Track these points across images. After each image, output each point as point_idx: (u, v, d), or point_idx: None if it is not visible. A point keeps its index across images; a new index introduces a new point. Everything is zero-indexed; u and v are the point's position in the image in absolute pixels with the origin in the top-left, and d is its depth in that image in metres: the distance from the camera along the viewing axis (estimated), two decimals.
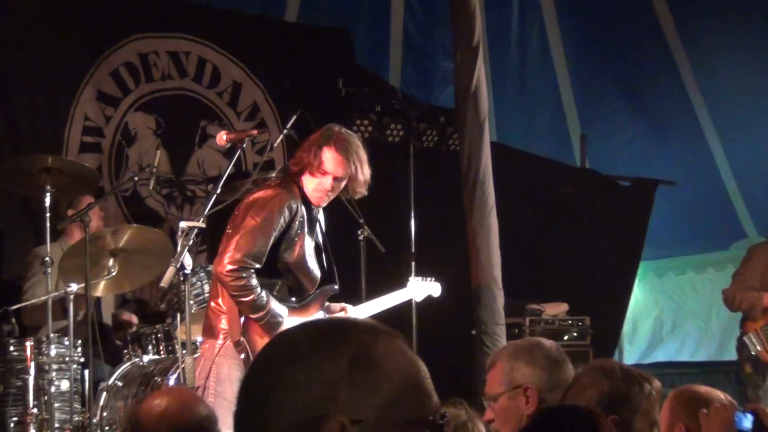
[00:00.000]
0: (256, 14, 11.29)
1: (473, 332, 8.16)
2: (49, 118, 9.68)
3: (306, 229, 6.43)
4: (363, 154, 6.43)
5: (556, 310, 10.46)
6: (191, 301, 7.01)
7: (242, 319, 6.33)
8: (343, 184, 6.46)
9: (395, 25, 11.97)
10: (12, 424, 7.30)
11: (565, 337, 10.00)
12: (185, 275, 6.31)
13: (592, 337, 10.32)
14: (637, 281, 12.51)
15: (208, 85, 10.65)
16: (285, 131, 8.29)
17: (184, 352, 6.63)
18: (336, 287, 6.79)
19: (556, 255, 11.55)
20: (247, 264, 6.21)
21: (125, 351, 8.18)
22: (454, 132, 9.76)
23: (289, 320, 6.33)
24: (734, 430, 4.23)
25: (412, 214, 9.84)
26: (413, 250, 9.76)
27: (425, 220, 9.93)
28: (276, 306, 6.30)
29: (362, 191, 6.56)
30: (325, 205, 6.61)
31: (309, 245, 6.48)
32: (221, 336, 6.34)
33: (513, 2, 11.98)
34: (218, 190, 6.73)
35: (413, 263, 9.48)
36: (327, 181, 6.38)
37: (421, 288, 7.62)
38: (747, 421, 4.30)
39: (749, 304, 8.41)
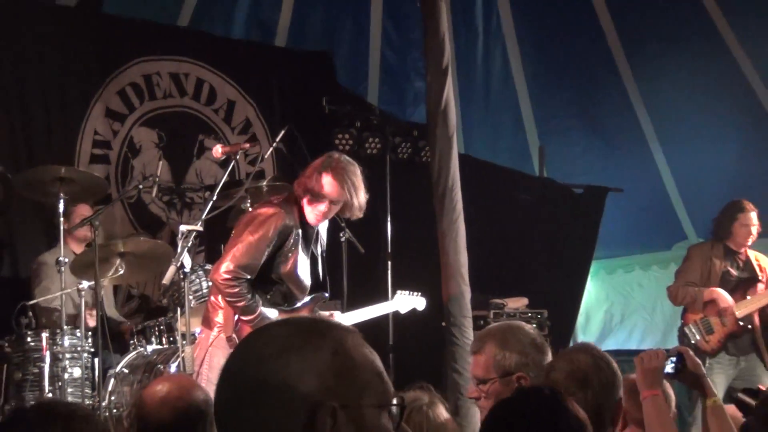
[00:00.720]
0: (249, 40, 11.31)
1: (443, 324, 8.17)
2: (63, 133, 9.67)
3: (300, 246, 6.46)
4: (358, 182, 6.46)
5: (517, 303, 10.48)
6: (190, 297, 7.06)
7: (236, 317, 6.36)
8: (339, 207, 6.49)
9: (373, 50, 11.98)
10: None
11: None
12: (185, 273, 6.35)
13: (550, 328, 10.32)
14: (589, 278, 12.52)
15: (206, 103, 10.65)
16: (274, 144, 8.33)
17: (184, 342, 6.68)
18: (326, 295, 6.82)
19: (517, 254, 11.57)
20: (240, 275, 6.25)
21: (131, 341, 8.19)
22: (426, 145, 9.77)
23: None
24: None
25: (389, 219, 9.86)
26: (389, 250, 9.79)
27: (400, 223, 9.95)
28: (266, 310, 6.34)
29: (357, 214, 6.59)
30: (321, 223, 6.64)
31: (302, 259, 6.51)
32: (216, 328, 6.38)
33: (478, 29, 12.00)
34: (214, 197, 6.77)
35: (389, 262, 9.52)
36: (323, 204, 6.42)
37: (406, 301, 7.64)
38: (669, 365, 4.40)
39: (691, 298, 8.43)
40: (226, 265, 6.25)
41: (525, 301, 10.57)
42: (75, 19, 10.05)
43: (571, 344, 12.24)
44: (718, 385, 7.69)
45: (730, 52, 11.20)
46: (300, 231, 6.44)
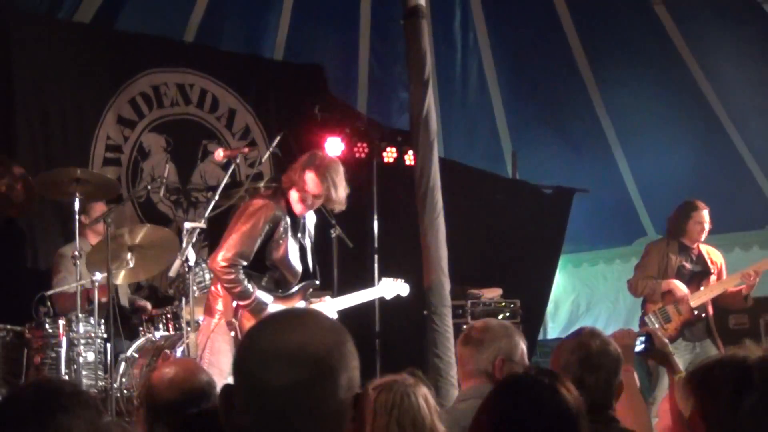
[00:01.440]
0: (248, 53, 11.30)
1: (425, 312, 8.15)
2: (78, 138, 9.65)
3: (290, 234, 6.48)
4: (338, 178, 6.48)
5: (492, 294, 10.48)
6: (194, 287, 7.04)
7: (234, 304, 6.36)
8: (320, 200, 6.51)
9: (362, 63, 11.98)
10: None
11: (500, 316, 10.02)
12: (189, 266, 6.35)
13: (522, 316, 10.33)
14: (558, 270, 12.54)
15: (209, 111, 10.63)
16: (271, 149, 8.31)
17: (189, 329, 6.65)
18: (317, 282, 6.82)
19: (493, 249, 11.56)
20: (235, 261, 6.28)
21: (140, 328, 8.18)
22: (409, 149, 9.77)
23: (274, 306, 6.36)
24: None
25: (375, 217, 9.86)
26: (376, 245, 9.78)
27: (386, 221, 9.95)
28: (261, 295, 6.35)
29: (339, 207, 6.61)
30: (305, 213, 6.64)
31: (292, 247, 6.53)
32: (217, 315, 6.37)
33: (457, 45, 12.00)
34: (216, 197, 6.76)
35: (376, 256, 9.51)
36: (307, 197, 6.43)
37: (391, 287, 7.61)
38: (639, 345, 4.46)
39: (650, 290, 8.44)
40: (222, 254, 6.29)
41: (499, 291, 10.57)
42: (89, 34, 10.03)
43: (540, 332, 12.30)
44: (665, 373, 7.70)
45: (685, 64, 11.24)
46: (288, 219, 6.46)
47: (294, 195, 6.48)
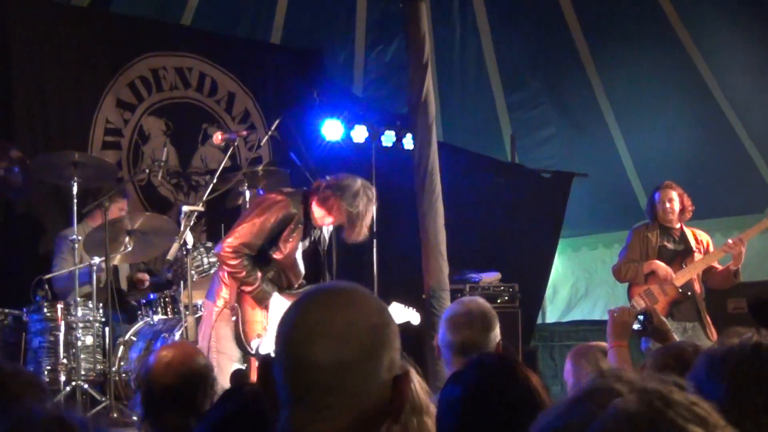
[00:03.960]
0: (248, 38, 11.28)
1: (423, 296, 8.15)
2: (77, 122, 9.63)
3: (300, 234, 6.47)
4: (367, 219, 6.46)
5: (490, 278, 10.45)
6: (192, 271, 7.04)
7: (238, 290, 6.37)
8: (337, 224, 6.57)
9: (360, 46, 11.95)
10: (46, 372, 7.28)
11: (498, 300, 9.97)
12: (187, 250, 6.34)
13: (521, 300, 10.31)
14: (557, 255, 12.53)
15: (208, 95, 10.60)
16: (269, 133, 8.29)
17: (187, 312, 6.64)
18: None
19: (491, 233, 11.54)
20: (241, 249, 6.29)
21: (139, 312, 8.17)
22: (408, 133, 9.74)
23: (278, 298, 6.36)
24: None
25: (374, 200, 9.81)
26: (375, 229, 9.72)
27: (384, 205, 9.89)
28: (266, 284, 6.35)
29: (355, 240, 6.53)
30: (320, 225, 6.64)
31: (300, 247, 6.53)
32: (221, 301, 6.37)
33: (456, 28, 11.98)
34: (214, 181, 6.74)
35: (375, 240, 9.47)
36: (328, 220, 6.43)
37: (401, 313, 7.44)
38: (637, 324, 4.48)
39: (633, 273, 8.42)
40: (230, 241, 6.30)
41: (498, 275, 10.53)
42: (87, 17, 10.03)
43: (539, 316, 12.29)
44: None
45: (684, 47, 11.21)
46: (303, 222, 6.44)
47: (317, 209, 6.47)
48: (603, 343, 4.59)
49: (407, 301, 8.78)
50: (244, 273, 6.29)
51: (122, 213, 8.25)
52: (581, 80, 11.98)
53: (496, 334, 4.28)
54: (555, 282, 13.05)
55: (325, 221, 6.54)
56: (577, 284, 13.25)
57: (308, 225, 6.54)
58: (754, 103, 11.29)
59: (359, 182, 6.49)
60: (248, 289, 6.30)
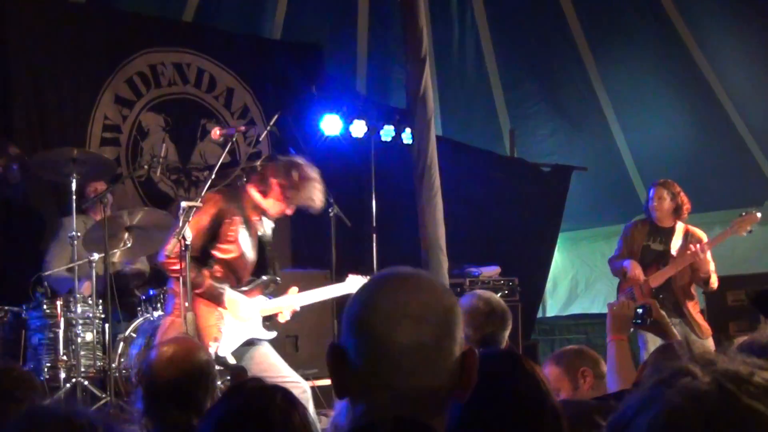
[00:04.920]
0: (246, 33, 11.26)
1: None
2: (75, 118, 9.60)
3: (243, 228, 6.30)
4: (306, 194, 6.35)
5: (490, 272, 10.45)
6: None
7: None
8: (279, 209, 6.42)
9: (359, 41, 11.95)
10: (46, 369, 7.27)
11: (498, 294, 9.92)
12: (186, 245, 6.26)
13: (520, 294, 10.31)
14: (557, 248, 12.53)
15: (206, 90, 10.58)
16: (268, 128, 8.26)
17: (186, 305, 6.58)
18: (278, 280, 6.66)
19: (491, 228, 11.55)
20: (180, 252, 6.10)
21: (138, 308, 8.14)
22: (407, 128, 9.74)
23: (232, 293, 6.22)
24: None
25: (374, 195, 9.79)
26: (374, 224, 9.73)
27: (383, 199, 9.90)
28: (214, 281, 6.18)
29: (313, 211, 6.48)
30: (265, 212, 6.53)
31: (244, 240, 6.32)
32: (175, 311, 6.21)
33: (454, 22, 11.98)
34: (212, 176, 6.70)
35: (374, 235, 9.46)
36: (268, 202, 6.37)
37: (359, 284, 7.35)
38: (637, 317, 4.50)
39: (613, 271, 8.51)
40: (168, 247, 6.05)
41: (498, 269, 10.53)
42: (86, 13, 9.99)
43: (540, 309, 12.30)
44: (653, 346, 7.62)
45: (683, 41, 11.20)
46: (242, 215, 6.32)
47: (254, 192, 6.37)
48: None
49: None
50: (191, 273, 6.16)
51: (93, 194, 8.18)
52: (580, 74, 11.98)
53: (509, 330, 4.30)
54: (555, 276, 13.06)
55: (266, 204, 6.38)
56: (577, 278, 13.27)
57: (250, 218, 6.44)
58: (753, 96, 11.29)
59: (294, 158, 6.49)
60: (199, 291, 6.15)
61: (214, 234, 6.23)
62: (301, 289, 6.59)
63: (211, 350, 6.04)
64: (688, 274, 8.21)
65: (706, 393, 1.19)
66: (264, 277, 6.52)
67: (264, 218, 6.53)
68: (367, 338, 1.88)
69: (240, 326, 6.27)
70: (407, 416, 1.85)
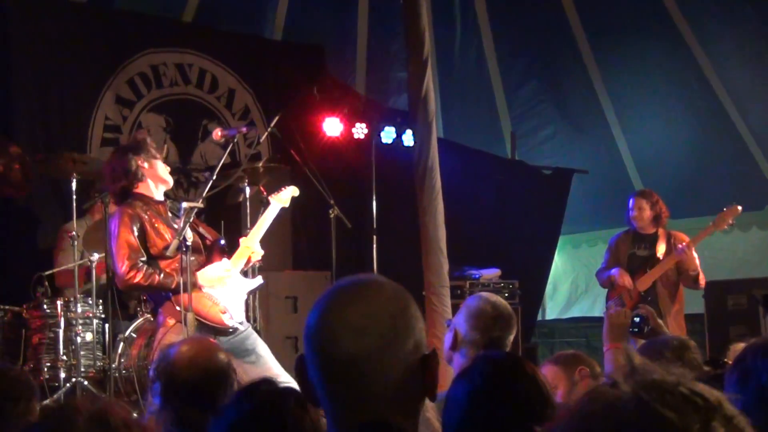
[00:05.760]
0: (248, 33, 11.26)
1: (423, 293, 8.16)
2: (76, 118, 9.61)
3: (159, 220, 6.30)
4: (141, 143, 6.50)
5: (490, 275, 10.46)
6: (192, 268, 6.98)
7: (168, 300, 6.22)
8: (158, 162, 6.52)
9: (360, 43, 11.95)
10: (46, 368, 7.26)
11: None
12: (186, 246, 6.26)
13: (521, 297, 10.32)
14: (557, 251, 12.53)
15: (208, 91, 10.59)
16: (269, 129, 8.28)
17: (181, 309, 6.58)
18: (222, 241, 6.67)
19: (491, 230, 11.55)
20: (132, 262, 6.08)
21: (138, 309, 8.14)
22: (408, 129, 9.75)
23: (199, 273, 6.24)
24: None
25: (374, 197, 9.79)
26: (375, 226, 9.73)
27: (384, 201, 9.90)
28: (164, 274, 6.17)
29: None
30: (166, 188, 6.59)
31: (166, 232, 6.32)
32: (171, 320, 6.20)
33: (456, 23, 11.98)
34: (213, 177, 6.71)
35: (375, 237, 9.46)
36: (150, 183, 6.45)
37: (281, 198, 7.16)
38: (634, 325, 4.53)
39: (601, 281, 8.61)
40: (119, 266, 6.09)
41: (498, 272, 10.54)
42: (87, 14, 10.00)
43: (539, 312, 12.30)
44: None
45: (686, 44, 11.20)
46: (147, 211, 6.29)
47: (143, 181, 6.37)
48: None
49: None
50: (156, 277, 6.08)
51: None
52: (582, 77, 11.98)
53: (514, 334, 4.32)
54: (555, 278, 13.06)
55: (152, 185, 6.39)
56: (577, 281, 13.26)
57: (156, 208, 6.38)
58: (756, 100, 11.28)
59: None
60: (174, 288, 6.13)
61: (143, 237, 6.22)
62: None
63: (228, 322, 6.22)
64: (674, 276, 8.29)
65: (623, 401, 1.23)
66: (214, 244, 6.55)
67: (168, 204, 6.52)
68: (316, 352, 1.94)
69: (229, 290, 6.37)
70: (370, 422, 1.90)
